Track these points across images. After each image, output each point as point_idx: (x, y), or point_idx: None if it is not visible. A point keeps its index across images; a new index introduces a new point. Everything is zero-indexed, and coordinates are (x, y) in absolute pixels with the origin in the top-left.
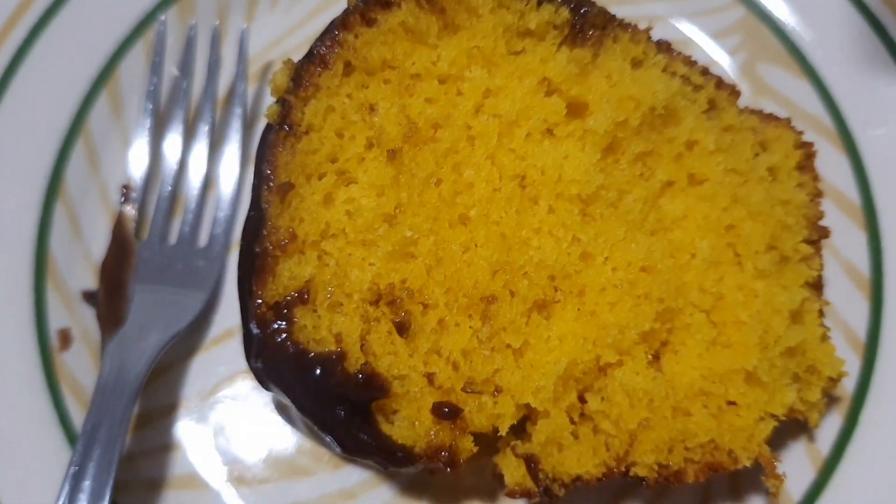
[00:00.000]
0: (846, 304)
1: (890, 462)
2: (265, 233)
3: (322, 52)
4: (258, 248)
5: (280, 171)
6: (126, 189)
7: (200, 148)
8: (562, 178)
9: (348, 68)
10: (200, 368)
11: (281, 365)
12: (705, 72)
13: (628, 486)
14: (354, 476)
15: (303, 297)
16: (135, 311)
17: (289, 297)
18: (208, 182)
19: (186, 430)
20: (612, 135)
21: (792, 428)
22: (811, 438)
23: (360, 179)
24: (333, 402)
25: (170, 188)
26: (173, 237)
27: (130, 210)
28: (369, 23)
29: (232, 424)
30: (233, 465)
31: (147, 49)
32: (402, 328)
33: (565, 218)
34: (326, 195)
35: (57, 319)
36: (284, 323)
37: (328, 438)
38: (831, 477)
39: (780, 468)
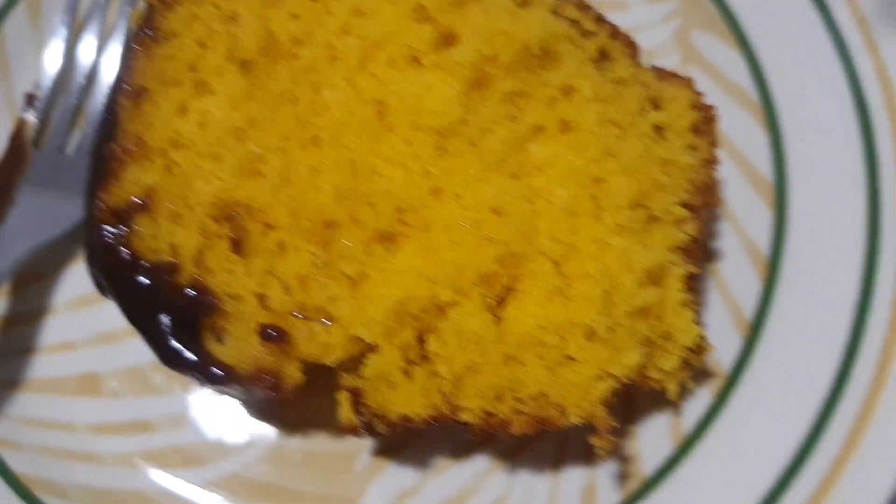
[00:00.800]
0: (739, 280)
1: (750, 445)
2: (114, 136)
3: None
4: (106, 152)
5: (136, 74)
6: (30, 97)
7: (110, 61)
8: (421, 107)
9: None
10: (74, 278)
11: (114, 271)
12: (599, 19)
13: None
14: (204, 399)
15: (145, 204)
16: (14, 213)
17: (131, 204)
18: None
19: (39, 338)
20: (479, 69)
21: (659, 402)
22: (677, 413)
23: (218, 91)
24: (160, 312)
25: (75, 101)
26: (71, 148)
27: (31, 117)
28: None
29: (86, 340)
30: (85, 376)
31: None
32: (239, 245)
33: (420, 150)
34: (181, 104)
35: None
36: (124, 228)
37: (150, 349)
38: (688, 454)
39: (638, 439)
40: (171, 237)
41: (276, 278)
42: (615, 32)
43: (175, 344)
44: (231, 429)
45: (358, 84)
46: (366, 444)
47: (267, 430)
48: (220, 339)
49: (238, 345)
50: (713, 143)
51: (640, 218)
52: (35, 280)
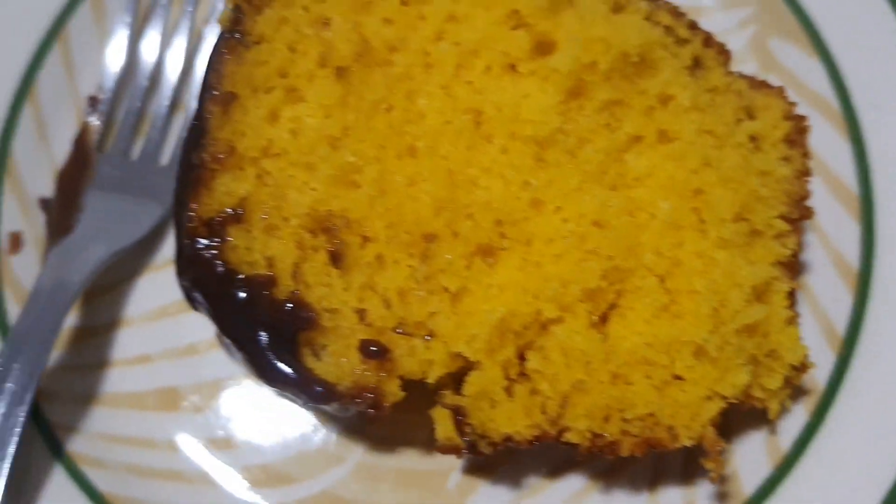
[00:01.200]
0: (829, 294)
1: (851, 464)
2: (204, 144)
3: None
4: (196, 160)
5: (225, 80)
6: (94, 100)
7: (174, 65)
8: (518, 116)
9: None
10: (148, 289)
11: (208, 283)
12: (693, 26)
13: (571, 458)
14: (290, 416)
15: (238, 215)
16: (84, 220)
17: (223, 214)
18: (177, 101)
19: (117, 349)
20: (577, 77)
21: (753, 418)
22: (773, 431)
23: (309, 98)
24: (257, 327)
25: (139, 104)
26: (136, 153)
27: (95, 121)
28: None
29: (169, 350)
30: (162, 385)
31: None
32: (336, 258)
33: (518, 160)
34: (272, 111)
35: (10, 222)
36: (217, 240)
37: (248, 365)
38: (788, 474)
39: (735, 458)
40: (267, 249)
41: (376, 292)
42: (708, 40)
43: (274, 360)
44: (318, 446)
45: (454, 92)
46: (456, 461)
47: (355, 447)
48: (317, 355)
49: (337, 361)
50: (805, 155)
51: (743, 231)
52: (108, 291)
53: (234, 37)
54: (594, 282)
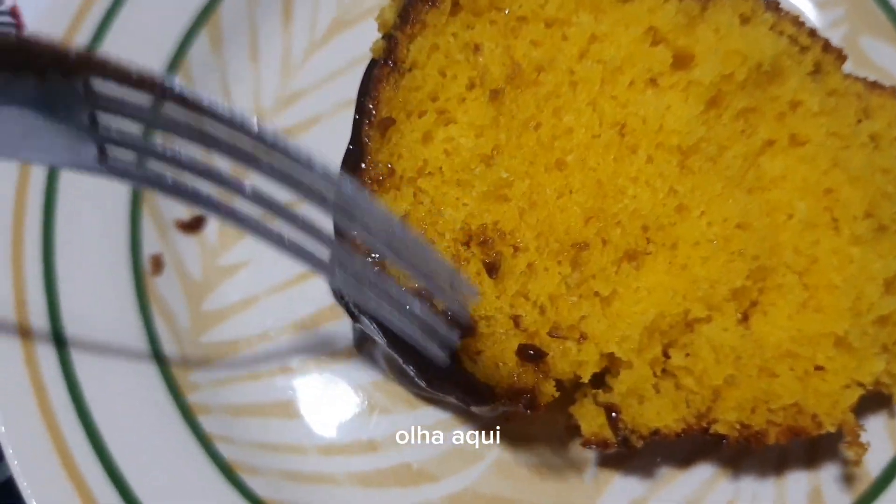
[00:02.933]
0: None
1: None
2: (364, 167)
3: None
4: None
5: (382, 106)
6: None
7: None
8: (663, 127)
9: (455, 7)
10: (287, 302)
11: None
12: (813, 34)
13: (704, 446)
14: (431, 416)
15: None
16: None
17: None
18: None
19: (268, 361)
20: (716, 88)
21: (872, 402)
22: (892, 414)
23: (460, 119)
24: None
25: None
26: None
27: None
28: None
29: (313, 359)
30: (311, 396)
31: None
32: (491, 269)
33: (663, 168)
34: (426, 133)
35: (150, 245)
36: (376, 256)
37: (412, 372)
38: None
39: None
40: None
41: (528, 299)
42: (827, 46)
43: (438, 366)
44: (458, 444)
45: (600, 107)
46: (589, 455)
47: (493, 444)
48: (474, 360)
49: (495, 365)
50: None
51: (872, 227)
52: (251, 305)
53: (388, 64)
54: (740, 281)
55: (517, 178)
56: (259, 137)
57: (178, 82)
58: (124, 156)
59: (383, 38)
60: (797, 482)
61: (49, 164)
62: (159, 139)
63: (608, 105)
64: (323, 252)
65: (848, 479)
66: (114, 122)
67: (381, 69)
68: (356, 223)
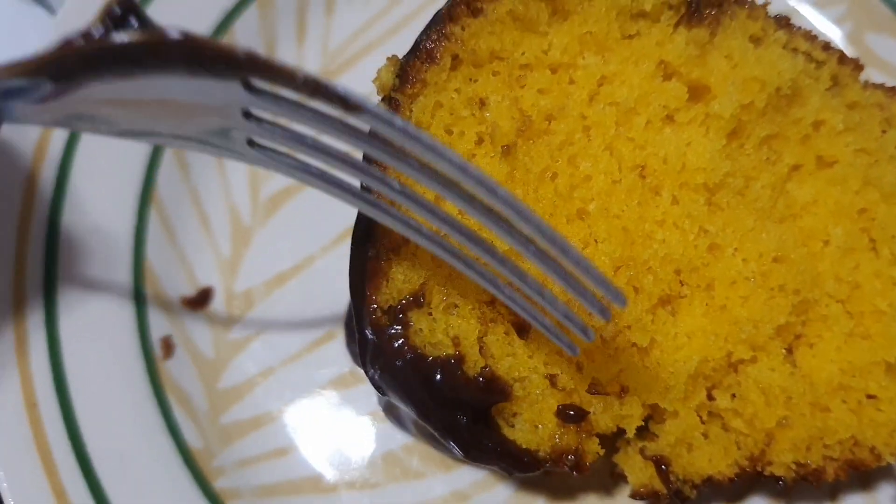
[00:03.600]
0: None
1: None
2: (377, 235)
3: (429, 47)
4: (370, 252)
5: (390, 170)
6: None
7: None
8: (686, 166)
9: (455, 62)
10: (304, 371)
11: (399, 371)
12: (827, 47)
13: (755, 482)
14: (467, 477)
15: (418, 299)
16: None
17: (403, 301)
18: None
19: (294, 434)
20: (736, 119)
21: None
22: None
23: None
24: (455, 407)
25: None
26: None
27: None
28: (475, 12)
29: (340, 427)
30: (343, 468)
31: None
32: (521, 329)
33: (691, 208)
34: (438, 195)
35: (158, 328)
36: (400, 327)
37: (451, 445)
38: None
39: None
40: (450, 329)
41: (563, 356)
42: (842, 58)
43: (477, 437)
44: (503, 499)
45: (616, 151)
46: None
47: (537, 497)
48: (511, 424)
49: (532, 428)
50: None
51: None
52: (266, 378)
53: None
54: (784, 318)
55: None
56: (404, 131)
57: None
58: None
59: (383, 100)
60: None
61: (199, 148)
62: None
63: (626, 148)
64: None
65: None
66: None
67: None
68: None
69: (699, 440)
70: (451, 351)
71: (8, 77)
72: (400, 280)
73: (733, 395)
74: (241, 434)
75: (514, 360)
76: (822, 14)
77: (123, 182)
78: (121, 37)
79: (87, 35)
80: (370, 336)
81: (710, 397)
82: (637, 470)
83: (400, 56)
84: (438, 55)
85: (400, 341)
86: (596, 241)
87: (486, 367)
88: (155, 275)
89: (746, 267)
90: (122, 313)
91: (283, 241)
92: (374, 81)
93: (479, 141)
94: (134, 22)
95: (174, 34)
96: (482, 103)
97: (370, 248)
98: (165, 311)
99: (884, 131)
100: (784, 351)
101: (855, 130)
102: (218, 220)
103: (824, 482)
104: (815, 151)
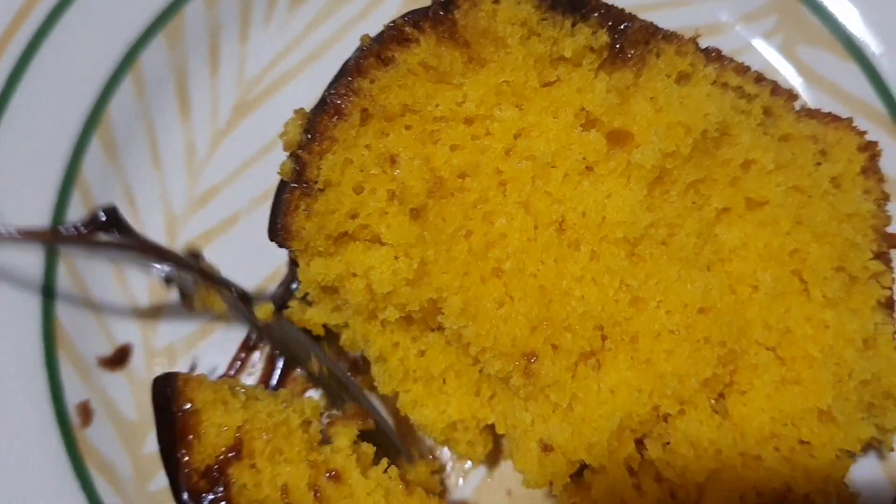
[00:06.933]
0: None
1: None
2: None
3: (336, 102)
4: (175, 409)
5: (295, 237)
6: None
7: None
8: (605, 220)
9: (365, 115)
10: None
11: None
12: (759, 79)
13: None
14: None
15: (236, 451)
16: None
17: (220, 457)
18: None
19: None
20: (659, 167)
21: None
22: (884, 456)
23: (384, 234)
24: None
25: None
26: None
27: None
28: (386, 62)
29: None
30: None
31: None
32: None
33: (611, 263)
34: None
35: (74, 393)
36: (221, 488)
37: None
38: None
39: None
40: (277, 478)
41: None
42: (775, 88)
43: None
44: None
45: (533, 206)
46: None
47: None
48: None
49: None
50: (881, 180)
51: (843, 283)
52: None
53: (300, 187)
54: (710, 370)
55: (451, 294)
56: None
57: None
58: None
59: (290, 157)
60: None
61: None
62: None
63: (542, 203)
64: None
65: None
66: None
67: (292, 193)
68: None
69: (631, 493)
70: None
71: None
72: (213, 433)
73: (665, 444)
74: (171, 501)
75: (353, 501)
76: (750, 29)
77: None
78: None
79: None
80: None
81: (642, 447)
82: None
83: (308, 109)
84: (347, 110)
85: None
86: (512, 299)
87: None
88: (67, 334)
89: (671, 319)
90: (33, 381)
91: None
92: (280, 137)
93: (391, 198)
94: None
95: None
96: (393, 160)
97: (174, 404)
98: (81, 375)
99: (818, 164)
100: (713, 402)
101: (787, 168)
102: (134, 269)
103: None
104: (745, 193)
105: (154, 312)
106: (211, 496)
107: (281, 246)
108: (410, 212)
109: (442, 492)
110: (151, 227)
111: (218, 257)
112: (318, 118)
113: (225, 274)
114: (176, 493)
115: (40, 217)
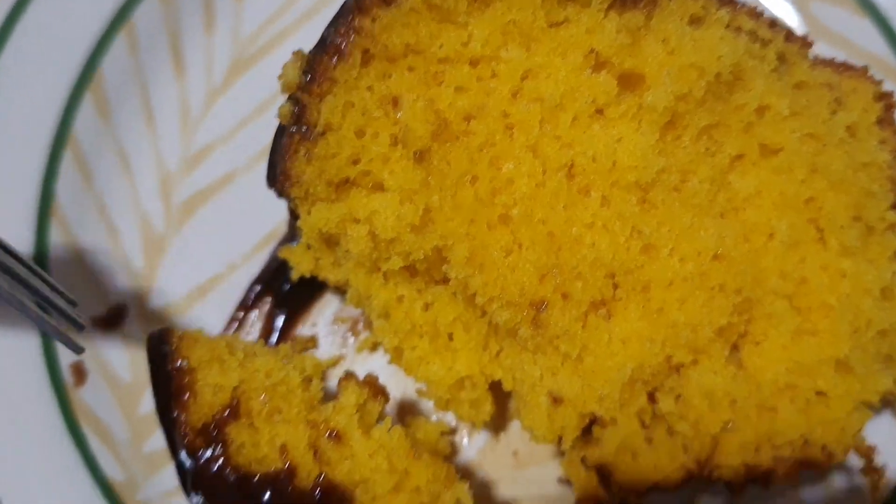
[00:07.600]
0: None
1: None
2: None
3: (336, 42)
4: (170, 367)
5: (296, 182)
6: None
7: None
8: (616, 164)
9: (367, 56)
10: None
11: (224, 495)
12: (773, 24)
13: (704, 486)
14: None
15: (233, 410)
16: None
17: (217, 416)
18: None
19: None
20: (672, 110)
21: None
22: None
23: (386, 181)
24: None
25: None
26: None
27: None
28: (388, 2)
29: None
30: None
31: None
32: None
33: (622, 209)
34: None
35: (68, 353)
36: (219, 447)
37: None
38: None
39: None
40: (276, 438)
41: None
42: (789, 35)
43: None
44: None
45: (541, 151)
46: None
47: None
48: None
49: None
50: None
51: (861, 232)
52: None
53: (299, 130)
54: (725, 319)
55: (456, 242)
56: None
57: None
58: None
59: (289, 99)
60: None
61: None
62: None
63: (551, 147)
64: None
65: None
66: None
67: (291, 137)
68: None
69: (643, 447)
70: (279, 464)
71: None
72: (209, 392)
73: (678, 397)
74: (167, 461)
75: (354, 462)
76: None
77: (20, 196)
78: None
79: None
80: (187, 463)
81: (653, 400)
82: (580, 479)
83: (307, 50)
84: (347, 50)
85: (220, 463)
86: (520, 246)
87: (321, 475)
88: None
89: (684, 267)
90: (26, 340)
91: (200, 248)
92: (279, 78)
93: (394, 143)
94: None
95: None
96: (395, 102)
97: (170, 362)
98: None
99: (833, 112)
100: (727, 353)
101: (801, 114)
102: (128, 230)
103: (775, 483)
104: (759, 139)
105: (149, 272)
106: (209, 452)
107: (280, 194)
108: (414, 156)
109: (450, 454)
110: (145, 187)
111: (214, 217)
112: (317, 59)
113: (222, 234)
114: (173, 450)
115: (32, 176)
